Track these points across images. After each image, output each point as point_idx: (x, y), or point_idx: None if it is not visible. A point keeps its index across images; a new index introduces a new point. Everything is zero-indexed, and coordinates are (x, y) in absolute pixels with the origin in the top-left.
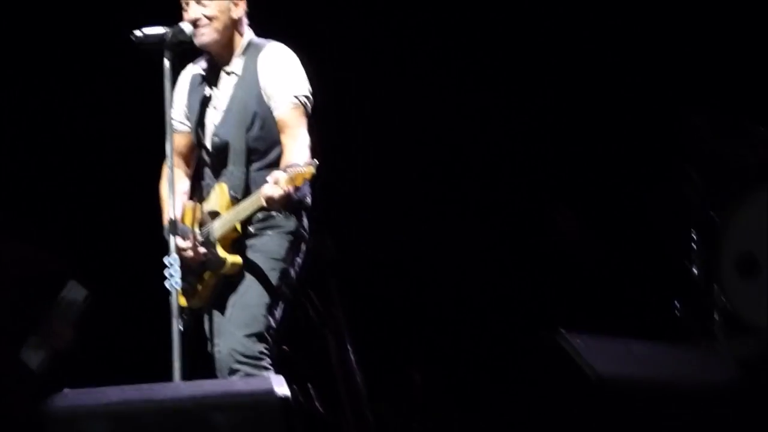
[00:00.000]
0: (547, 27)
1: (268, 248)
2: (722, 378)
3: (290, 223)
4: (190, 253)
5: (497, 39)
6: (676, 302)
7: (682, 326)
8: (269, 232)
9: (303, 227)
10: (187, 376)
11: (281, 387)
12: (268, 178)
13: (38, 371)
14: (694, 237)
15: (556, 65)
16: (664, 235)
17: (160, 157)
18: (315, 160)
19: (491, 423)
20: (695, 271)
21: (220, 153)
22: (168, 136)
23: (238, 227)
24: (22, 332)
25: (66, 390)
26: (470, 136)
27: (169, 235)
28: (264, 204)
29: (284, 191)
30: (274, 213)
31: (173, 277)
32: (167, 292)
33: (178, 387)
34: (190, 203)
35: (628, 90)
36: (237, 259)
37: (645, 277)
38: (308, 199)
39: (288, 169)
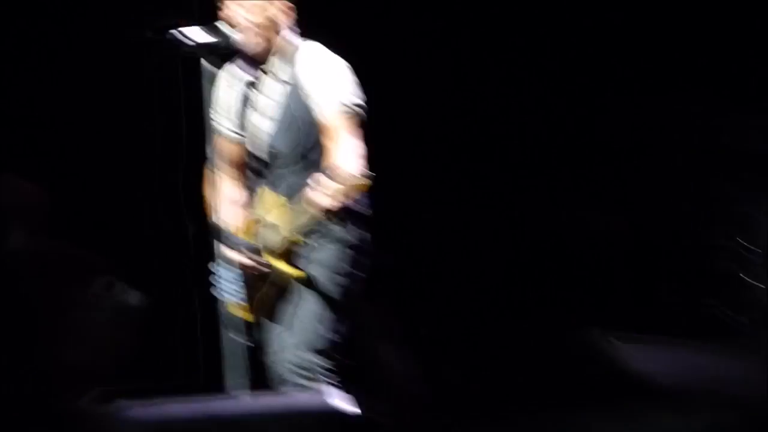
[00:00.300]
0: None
1: (326, 260)
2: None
3: (349, 235)
4: (248, 264)
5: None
6: (714, 300)
7: (723, 326)
8: (327, 244)
9: (363, 239)
10: (243, 389)
11: (337, 400)
12: (313, 183)
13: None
14: (734, 234)
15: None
16: (701, 233)
17: (203, 160)
18: (365, 169)
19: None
20: (737, 268)
21: (267, 158)
22: (208, 139)
23: (295, 238)
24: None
25: (120, 401)
26: (503, 136)
27: (215, 242)
28: (310, 209)
29: (331, 197)
30: (332, 225)
31: (220, 284)
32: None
33: (233, 400)
34: (246, 213)
35: (659, 79)
36: (294, 271)
37: (681, 275)
38: (366, 210)
39: (338, 179)
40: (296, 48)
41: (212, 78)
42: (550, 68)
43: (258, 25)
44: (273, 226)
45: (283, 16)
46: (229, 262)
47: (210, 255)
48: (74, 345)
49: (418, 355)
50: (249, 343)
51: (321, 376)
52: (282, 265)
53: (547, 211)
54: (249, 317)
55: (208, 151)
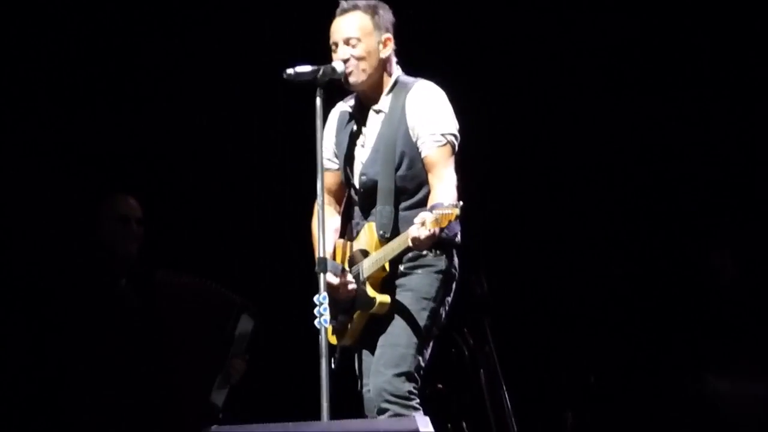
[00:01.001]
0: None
1: (418, 287)
2: None
3: (440, 262)
4: (340, 290)
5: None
6: None
7: None
8: (419, 271)
9: (453, 266)
10: (335, 415)
11: (428, 427)
12: (415, 220)
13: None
14: None
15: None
16: None
17: (310, 194)
18: (460, 201)
19: None
20: None
21: (369, 192)
22: (319, 174)
23: (387, 266)
24: (206, 369)
25: (214, 427)
26: (619, 168)
27: (319, 274)
28: (411, 245)
29: (430, 232)
30: (423, 252)
31: (323, 315)
32: (317, 331)
33: (327, 426)
34: (341, 241)
35: None
36: (386, 298)
37: None
38: (458, 238)
39: (434, 210)
40: (398, 81)
41: (324, 115)
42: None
43: (359, 58)
44: (364, 253)
45: (383, 48)
46: (326, 288)
47: (315, 287)
48: (201, 374)
49: (510, 383)
50: (338, 370)
51: (413, 403)
52: (374, 293)
53: (667, 247)
54: (342, 342)
55: (318, 185)
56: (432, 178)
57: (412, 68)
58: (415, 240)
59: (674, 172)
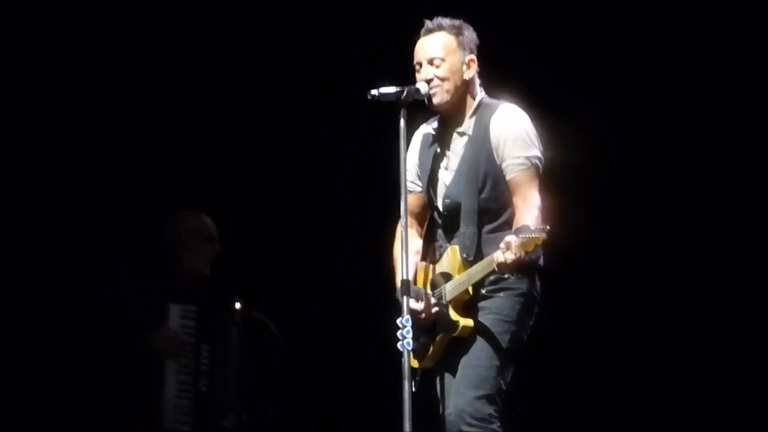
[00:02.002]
0: None
1: (500, 310)
2: None
3: (522, 285)
4: (423, 314)
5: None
6: None
7: None
8: (501, 294)
9: (535, 288)
10: None
11: None
12: (501, 245)
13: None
14: None
15: None
16: None
17: (394, 216)
18: (547, 225)
19: None
20: None
21: (452, 214)
22: (402, 196)
23: (470, 290)
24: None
25: None
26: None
27: (402, 296)
28: (496, 269)
29: (516, 257)
30: (505, 275)
31: (405, 338)
32: (400, 353)
33: None
34: (423, 264)
35: None
36: (469, 322)
37: None
38: (541, 261)
39: (519, 235)
40: (482, 103)
41: (408, 136)
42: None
43: (443, 79)
44: (447, 276)
45: (467, 69)
46: (408, 311)
47: (398, 310)
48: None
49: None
50: (420, 392)
51: (494, 426)
52: (457, 316)
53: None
54: (424, 365)
55: (401, 207)
56: (517, 201)
57: (495, 91)
58: (500, 264)
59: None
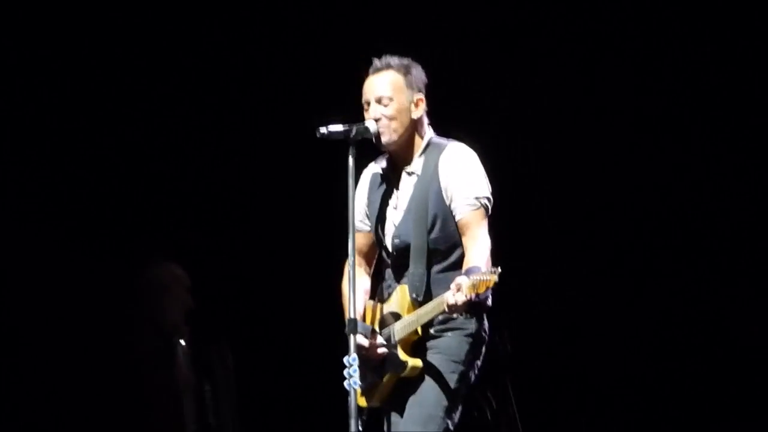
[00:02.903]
0: None
1: (448, 350)
2: None
3: (471, 325)
4: (370, 352)
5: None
6: None
7: None
8: (449, 334)
9: (483, 329)
10: None
11: None
12: (452, 286)
13: None
14: None
15: None
16: None
17: (341, 254)
18: (498, 267)
19: None
20: None
21: (401, 253)
22: (351, 234)
23: (419, 330)
24: None
25: None
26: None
27: (349, 335)
28: (446, 310)
29: (467, 298)
30: (455, 315)
31: (352, 377)
32: (346, 392)
33: None
34: (371, 303)
35: None
36: (417, 362)
37: None
38: (489, 301)
39: (471, 276)
40: (431, 143)
41: (356, 174)
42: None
43: (391, 118)
44: (396, 315)
45: (415, 108)
46: (356, 349)
47: (344, 348)
48: None
49: None
50: (366, 431)
51: None
52: (406, 356)
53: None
54: (371, 403)
55: (349, 246)
56: (466, 241)
57: (443, 129)
58: (451, 306)
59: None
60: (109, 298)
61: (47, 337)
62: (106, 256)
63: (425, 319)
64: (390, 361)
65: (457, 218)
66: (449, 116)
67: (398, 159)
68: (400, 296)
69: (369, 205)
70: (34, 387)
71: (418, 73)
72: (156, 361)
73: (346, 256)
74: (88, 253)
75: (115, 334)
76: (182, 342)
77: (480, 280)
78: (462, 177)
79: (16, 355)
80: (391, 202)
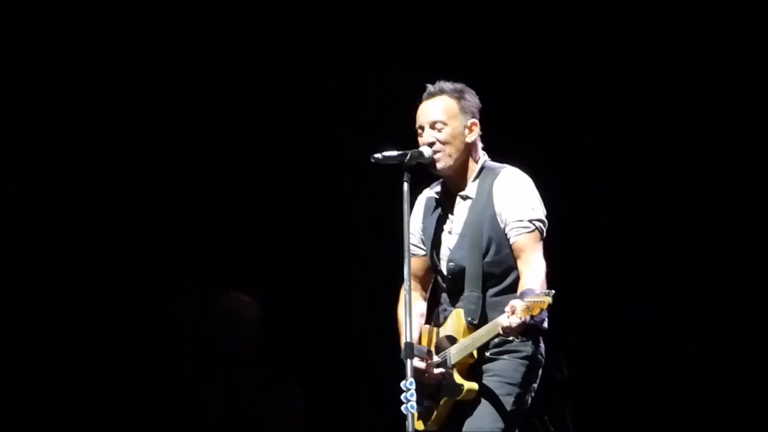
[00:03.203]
0: None
1: (504, 373)
2: None
3: (527, 348)
4: (427, 375)
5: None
6: None
7: None
8: (505, 357)
9: (540, 352)
10: None
11: None
12: (507, 308)
13: None
14: None
15: None
16: None
17: (397, 280)
18: (552, 290)
19: None
20: None
21: (456, 277)
22: (406, 259)
23: (475, 353)
24: None
25: None
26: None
27: (406, 359)
28: (501, 333)
29: (521, 320)
30: (510, 338)
31: (410, 401)
32: (404, 416)
33: None
34: (427, 327)
35: None
36: (473, 385)
37: None
38: (545, 324)
39: (525, 298)
40: (485, 167)
41: (411, 199)
42: None
43: (445, 142)
44: (452, 339)
45: (469, 133)
46: (413, 374)
47: (402, 372)
48: None
49: None
50: None
51: None
52: (462, 379)
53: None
54: (428, 427)
55: (405, 271)
56: (521, 264)
57: (497, 155)
58: (505, 328)
59: None
60: (182, 328)
61: (121, 366)
62: (180, 286)
63: (480, 343)
64: (446, 384)
65: (511, 241)
66: (503, 141)
67: (452, 184)
68: (455, 320)
69: (424, 230)
70: (106, 416)
71: (472, 97)
72: (228, 393)
73: (402, 281)
74: (162, 281)
75: (188, 365)
76: (254, 374)
77: (534, 302)
78: (516, 200)
79: (86, 382)
80: (446, 226)
